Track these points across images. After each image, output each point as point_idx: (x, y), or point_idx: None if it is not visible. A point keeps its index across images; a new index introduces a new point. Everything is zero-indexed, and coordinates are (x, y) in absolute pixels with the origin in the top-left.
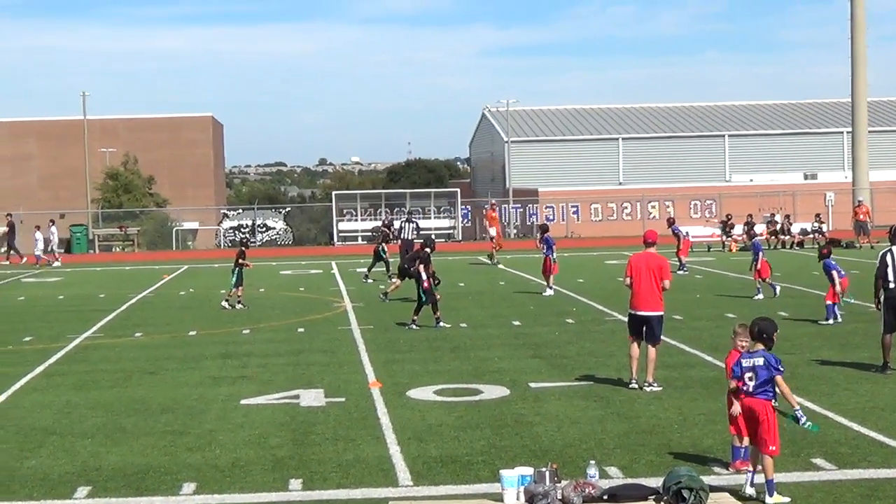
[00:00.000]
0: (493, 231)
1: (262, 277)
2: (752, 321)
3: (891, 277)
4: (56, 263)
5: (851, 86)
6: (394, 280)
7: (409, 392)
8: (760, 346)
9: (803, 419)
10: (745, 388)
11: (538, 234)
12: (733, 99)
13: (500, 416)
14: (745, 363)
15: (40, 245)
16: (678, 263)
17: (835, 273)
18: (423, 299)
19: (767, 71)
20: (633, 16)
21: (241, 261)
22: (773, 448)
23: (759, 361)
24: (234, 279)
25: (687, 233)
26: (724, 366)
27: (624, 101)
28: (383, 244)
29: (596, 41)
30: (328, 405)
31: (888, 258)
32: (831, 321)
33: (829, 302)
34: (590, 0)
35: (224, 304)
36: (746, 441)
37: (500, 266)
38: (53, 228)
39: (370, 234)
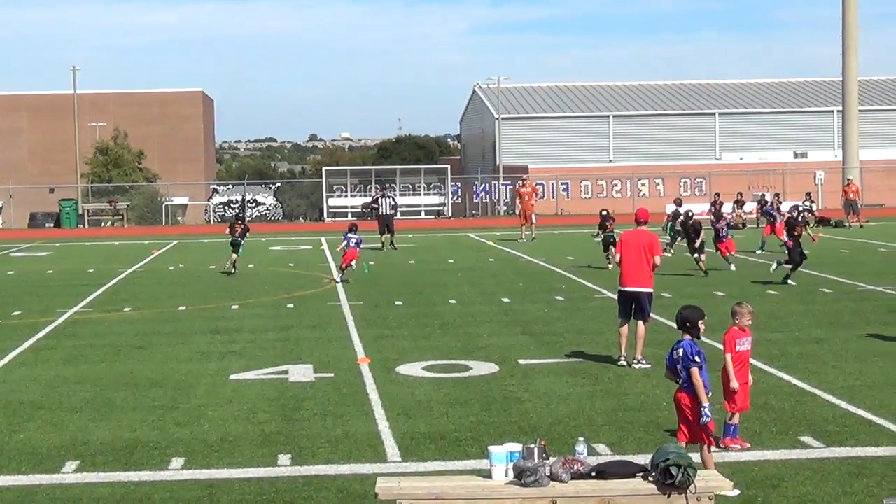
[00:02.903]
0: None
1: (252, 253)
2: (679, 310)
3: None
4: None
5: (842, 65)
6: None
7: (398, 368)
8: (687, 336)
9: (704, 419)
10: (679, 379)
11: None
12: (726, 77)
13: (488, 392)
14: (674, 354)
15: None
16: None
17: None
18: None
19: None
20: None
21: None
22: (709, 442)
23: (680, 352)
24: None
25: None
26: (711, 343)
27: (617, 79)
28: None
29: (589, 19)
30: (317, 381)
31: None
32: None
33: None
34: None
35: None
36: (737, 418)
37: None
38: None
39: (360, 210)
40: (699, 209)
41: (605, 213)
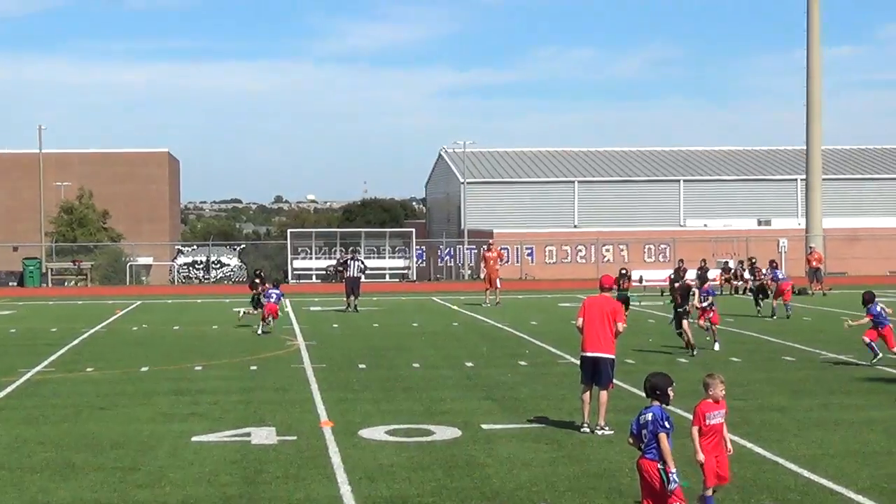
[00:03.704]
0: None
1: (216, 314)
2: (646, 377)
3: None
4: None
5: (806, 133)
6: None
7: (361, 431)
8: (656, 403)
9: (672, 486)
10: (643, 445)
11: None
12: (691, 144)
13: (451, 457)
14: (641, 420)
15: None
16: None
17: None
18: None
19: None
20: (592, 59)
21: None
22: None
23: (649, 417)
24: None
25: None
26: (679, 412)
27: (582, 144)
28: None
29: (555, 84)
30: (279, 443)
31: None
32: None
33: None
34: (550, 43)
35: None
36: (710, 491)
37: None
38: None
39: (324, 272)
40: (662, 276)
41: (623, 271)
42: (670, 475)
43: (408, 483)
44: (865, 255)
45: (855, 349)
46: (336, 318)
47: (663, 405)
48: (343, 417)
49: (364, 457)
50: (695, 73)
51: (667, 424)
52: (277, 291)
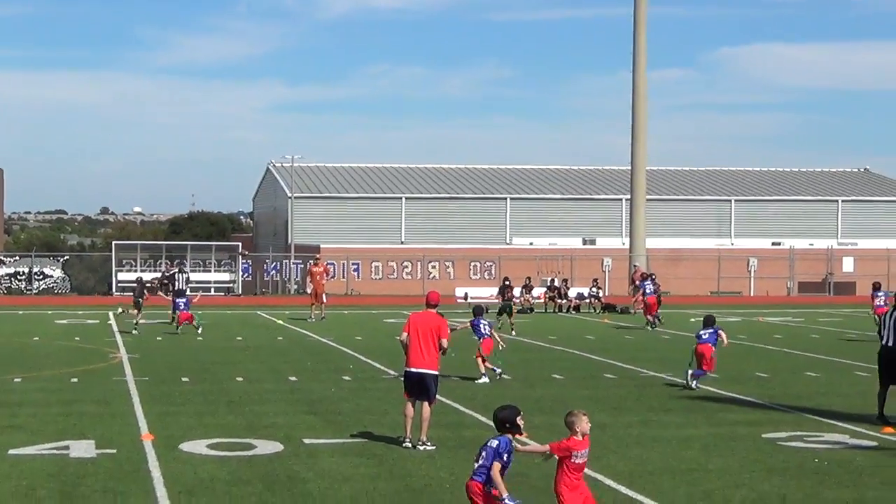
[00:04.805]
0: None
1: (38, 326)
2: (494, 412)
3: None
4: None
5: (631, 154)
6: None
7: (182, 445)
8: (507, 435)
9: None
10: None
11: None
12: (518, 163)
13: (272, 471)
14: (489, 443)
15: None
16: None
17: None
18: None
19: (554, 137)
20: (423, 77)
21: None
22: None
23: (494, 444)
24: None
25: (651, 289)
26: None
27: (411, 161)
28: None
29: (386, 100)
30: (99, 457)
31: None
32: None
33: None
34: (379, 61)
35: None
36: None
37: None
38: None
39: (148, 284)
40: (487, 293)
41: (507, 282)
42: (504, 499)
43: (228, 497)
44: (687, 275)
45: (672, 368)
46: (160, 330)
47: (515, 436)
48: (164, 431)
49: (184, 471)
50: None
51: (505, 457)
52: (184, 300)
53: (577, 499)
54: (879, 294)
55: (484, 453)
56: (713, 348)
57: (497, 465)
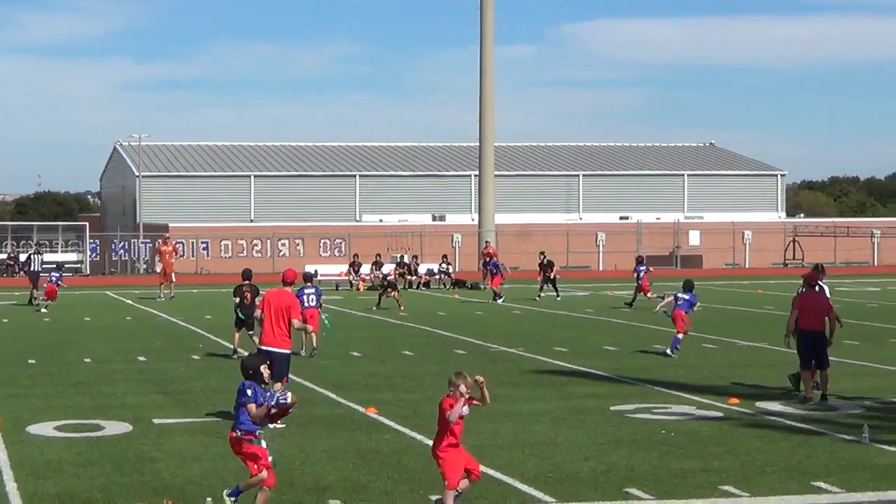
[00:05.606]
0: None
1: None
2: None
3: None
4: None
5: (479, 130)
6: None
7: (29, 428)
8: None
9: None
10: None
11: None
12: (367, 140)
13: (121, 452)
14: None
15: None
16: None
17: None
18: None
19: (404, 114)
20: (273, 55)
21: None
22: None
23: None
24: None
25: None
26: (346, 403)
27: (260, 139)
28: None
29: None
30: None
31: None
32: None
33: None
34: (228, 38)
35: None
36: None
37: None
38: None
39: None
40: (337, 270)
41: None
42: (278, 397)
43: (76, 479)
44: (536, 250)
45: (523, 343)
46: (4, 312)
47: (260, 383)
48: (11, 414)
49: (31, 453)
50: (376, 70)
51: (249, 392)
52: (56, 274)
53: (457, 458)
54: (641, 269)
55: (237, 402)
56: (682, 312)
57: (252, 406)
